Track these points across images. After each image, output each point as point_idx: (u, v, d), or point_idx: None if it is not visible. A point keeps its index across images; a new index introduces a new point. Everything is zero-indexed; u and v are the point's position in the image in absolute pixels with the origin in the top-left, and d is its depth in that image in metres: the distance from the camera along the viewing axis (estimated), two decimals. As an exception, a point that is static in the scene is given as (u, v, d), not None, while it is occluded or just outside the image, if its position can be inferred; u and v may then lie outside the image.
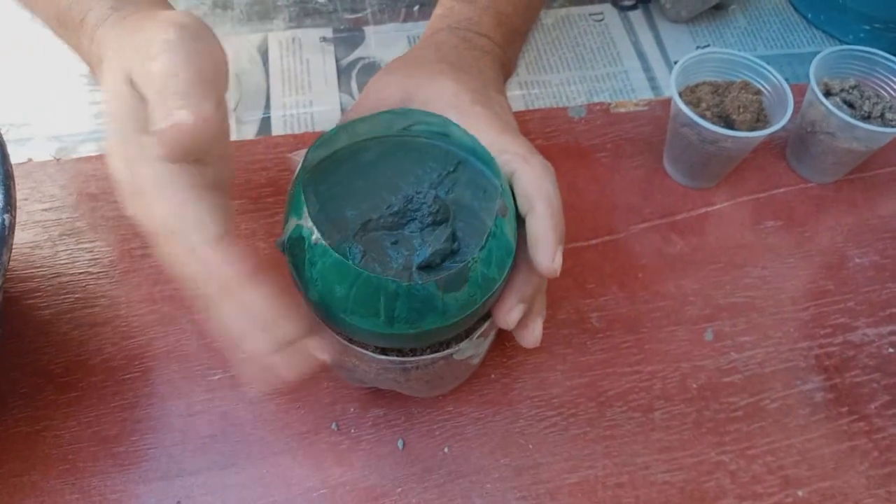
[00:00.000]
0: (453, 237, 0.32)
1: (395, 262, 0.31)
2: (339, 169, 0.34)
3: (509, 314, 0.32)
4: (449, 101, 0.35)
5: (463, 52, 0.40)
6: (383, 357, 0.34)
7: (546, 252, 0.31)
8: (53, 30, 0.39)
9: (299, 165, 0.32)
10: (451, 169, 0.34)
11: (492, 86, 0.39)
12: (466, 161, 0.34)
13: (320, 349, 0.29)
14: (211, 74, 0.29)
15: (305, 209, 0.30)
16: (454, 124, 0.33)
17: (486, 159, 0.33)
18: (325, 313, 0.31)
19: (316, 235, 0.29)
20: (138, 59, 0.29)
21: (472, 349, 0.35)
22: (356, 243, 0.31)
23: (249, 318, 0.28)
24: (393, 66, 0.39)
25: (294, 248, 0.30)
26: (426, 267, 0.31)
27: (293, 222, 0.30)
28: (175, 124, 0.27)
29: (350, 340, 0.34)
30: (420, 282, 0.29)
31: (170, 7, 0.35)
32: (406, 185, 0.33)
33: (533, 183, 0.32)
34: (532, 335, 0.34)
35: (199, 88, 0.28)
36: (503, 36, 0.43)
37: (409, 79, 0.37)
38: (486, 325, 0.34)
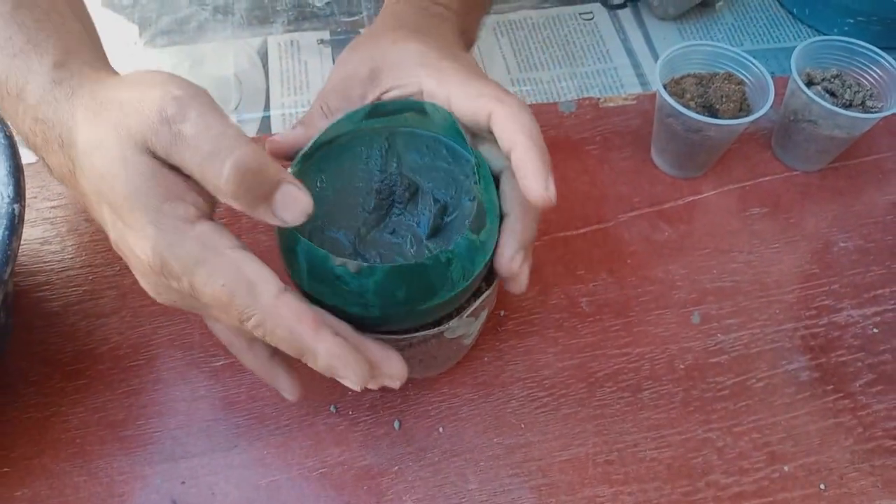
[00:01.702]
0: (434, 197, 0.33)
1: (406, 246, 0.33)
2: None
3: (512, 261, 0.33)
4: (417, 60, 0.35)
5: (421, 19, 0.40)
6: (377, 336, 0.35)
7: (538, 179, 0.31)
8: None
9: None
10: (387, 145, 0.35)
11: (455, 46, 0.40)
12: (394, 130, 0.36)
13: (390, 378, 0.31)
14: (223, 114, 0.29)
15: (322, 250, 0.30)
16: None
17: (422, 107, 0.34)
18: (385, 323, 0.32)
19: (352, 264, 0.29)
20: (151, 126, 0.27)
21: (462, 328, 0.37)
22: (367, 252, 0.33)
23: (324, 366, 0.29)
24: (356, 43, 0.39)
25: (323, 293, 0.31)
26: (434, 234, 0.32)
27: (304, 271, 0.31)
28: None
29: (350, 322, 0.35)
30: (460, 238, 0.31)
31: (111, 67, 0.33)
32: (362, 183, 0.35)
33: (511, 119, 0.32)
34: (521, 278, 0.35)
35: (239, 132, 0.28)
36: (460, 3, 0.43)
37: (374, 50, 0.37)
38: (475, 304, 0.36)
